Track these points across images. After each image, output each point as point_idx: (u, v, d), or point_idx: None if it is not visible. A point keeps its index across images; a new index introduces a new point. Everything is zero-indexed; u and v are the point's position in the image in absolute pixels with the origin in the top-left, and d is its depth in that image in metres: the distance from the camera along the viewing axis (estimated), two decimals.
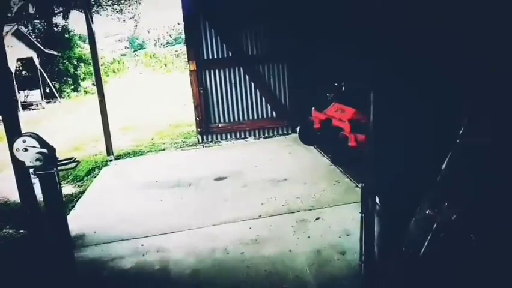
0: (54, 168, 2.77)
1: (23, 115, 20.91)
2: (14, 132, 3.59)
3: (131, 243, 4.43)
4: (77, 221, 5.13)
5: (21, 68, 25.49)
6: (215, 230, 4.57)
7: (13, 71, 21.29)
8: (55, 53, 25.72)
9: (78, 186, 7.02)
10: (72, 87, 28.44)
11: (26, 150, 2.67)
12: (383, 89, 2.72)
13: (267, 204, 5.16)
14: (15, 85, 22.31)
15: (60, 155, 2.87)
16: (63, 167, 2.84)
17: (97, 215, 5.38)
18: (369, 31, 3.24)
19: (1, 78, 3.91)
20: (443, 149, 2.64)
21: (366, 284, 3.06)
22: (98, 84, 8.00)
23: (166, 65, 45.43)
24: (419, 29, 2.68)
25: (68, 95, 27.30)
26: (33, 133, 2.75)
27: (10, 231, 5.24)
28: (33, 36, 24.82)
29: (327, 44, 7.01)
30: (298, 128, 6.91)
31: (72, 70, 27.64)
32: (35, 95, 23.69)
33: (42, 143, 2.71)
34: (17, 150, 2.68)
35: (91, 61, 30.62)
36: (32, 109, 22.68)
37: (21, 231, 5.08)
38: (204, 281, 3.57)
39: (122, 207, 5.58)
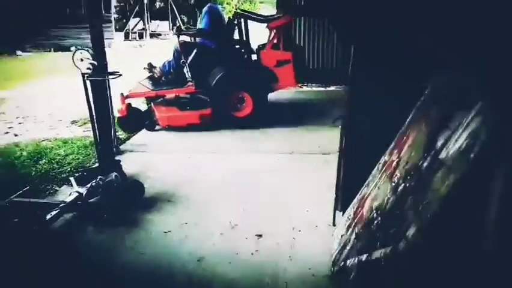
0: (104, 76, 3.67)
1: (149, 43, 23.30)
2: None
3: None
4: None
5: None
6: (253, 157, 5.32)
7: (146, 1, 23.52)
8: None
9: None
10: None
11: (81, 60, 3.58)
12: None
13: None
14: (148, 15, 24.64)
15: None
16: (110, 77, 3.72)
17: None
18: None
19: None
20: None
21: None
22: None
23: None
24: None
25: None
26: (89, 48, 3.64)
27: None
28: None
29: None
30: None
31: None
32: (164, 26, 25.92)
33: (94, 56, 3.58)
34: (76, 60, 3.59)
35: None
36: (161, 38, 25.04)
37: None
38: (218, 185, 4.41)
39: None
